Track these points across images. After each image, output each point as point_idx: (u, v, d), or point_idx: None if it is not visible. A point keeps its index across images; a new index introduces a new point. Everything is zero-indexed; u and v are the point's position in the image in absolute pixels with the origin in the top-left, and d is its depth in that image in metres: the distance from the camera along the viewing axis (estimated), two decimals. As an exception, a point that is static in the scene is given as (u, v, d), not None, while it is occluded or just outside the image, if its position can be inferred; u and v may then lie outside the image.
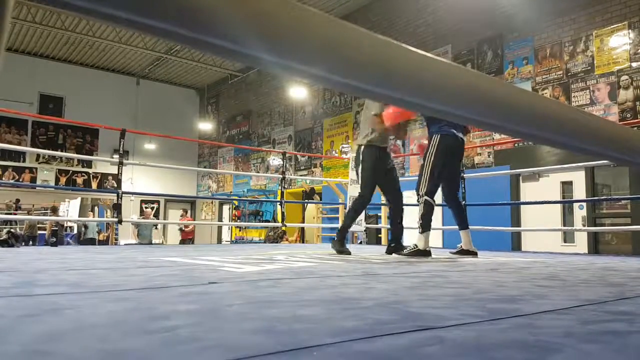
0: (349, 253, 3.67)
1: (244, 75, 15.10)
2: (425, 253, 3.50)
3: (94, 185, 15.14)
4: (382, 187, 4.05)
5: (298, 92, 12.07)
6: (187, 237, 12.73)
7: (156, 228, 11.51)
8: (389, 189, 3.97)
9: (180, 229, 12.86)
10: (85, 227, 12.16)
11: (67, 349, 0.73)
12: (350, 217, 3.91)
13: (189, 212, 13.98)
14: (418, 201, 3.64)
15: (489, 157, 8.26)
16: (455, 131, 3.63)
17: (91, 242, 11.73)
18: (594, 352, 0.76)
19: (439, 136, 3.60)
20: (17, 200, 12.90)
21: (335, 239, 3.85)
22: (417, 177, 3.72)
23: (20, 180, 13.90)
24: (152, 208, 16.24)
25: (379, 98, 0.59)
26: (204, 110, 17.13)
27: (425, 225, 3.56)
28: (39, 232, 11.39)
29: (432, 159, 3.60)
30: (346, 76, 0.52)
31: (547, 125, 0.73)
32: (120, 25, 0.41)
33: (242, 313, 1.08)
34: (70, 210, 13.39)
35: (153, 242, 10.47)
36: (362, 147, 3.84)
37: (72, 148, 14.93)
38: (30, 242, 10.49)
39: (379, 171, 3.81)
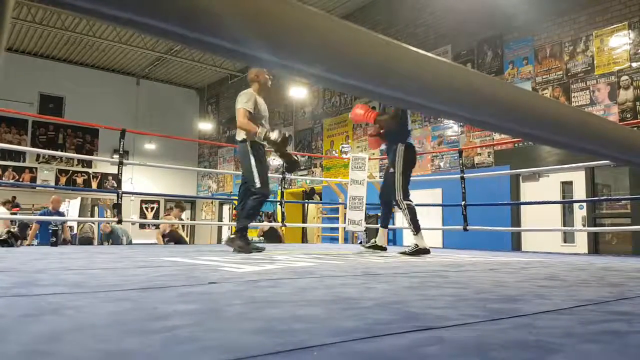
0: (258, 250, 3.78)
1: (244, 75, 15.09)
2: (426, 251, 3.81)
3: (94, 185, 15.13)
4: None
5: (298, 92, 12.06)
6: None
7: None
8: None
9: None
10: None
11: (67, 349, 0.73)
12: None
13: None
14: (400, 207, 3.94)
15: (489, 157, 8.26)
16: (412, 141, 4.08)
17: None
18: (594, 352, 0.76)
19: (404, 146, 3.93)
20: (14, 198, 12.59)
21: (236, 236, 3.78)
22: (390, 184, 3.97)
23: (20, 180, 13.89)
24: (152, 209, 16.20)
25: (379, 98, 0.59)
26: (204, 110, 17.12)
27: (417, 227, 3.88)
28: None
29: (400, 168, 3.91)
30: (346, 76, 0.52)
31: (547, 125, 0.73)
32: (120, 25, 0.41)
33: (242, 313, 1.08)
34: (70, 210, 13.38)
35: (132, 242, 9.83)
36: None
37: (72, 148, 14.92)
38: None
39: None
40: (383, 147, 4.34)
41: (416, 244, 3.80)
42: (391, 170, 3.94)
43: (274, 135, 3.78)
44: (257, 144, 3.90)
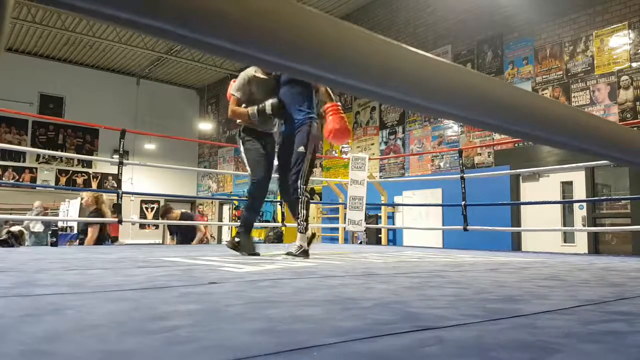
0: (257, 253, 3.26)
1: (244, 75, 15.09)
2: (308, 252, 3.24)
3: (94, 185, 15.13)
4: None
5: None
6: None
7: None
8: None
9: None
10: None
11: (67, 349, 0.73)
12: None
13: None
14: (298, 198, 3.22)
15: (489, 157, 8.26)
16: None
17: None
18: (594, 352, 0.76)
19: (315, 123, 3.28)
20: None
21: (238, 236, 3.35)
22: (299, 168, 3.23)
23: (20, 180, 13.89)
24: (152, 209, 16.18)
25: (379, 98, 0.59)
26: (204, 110, 17.13)
27: (307, 226, 3.26)
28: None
29: (309, 147, 3.22)
30: (346, 76, 0.52)
31: (547, 125, 0.73)
32: (120, 25, 0.41)
33: (242, 313, 1.08)
34: (70, 210, 13.38)
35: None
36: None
37: (72, 148, 14.93)
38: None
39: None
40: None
41: (301, 245, 3.21)
42: (301, 149, 3.21)
43: (268, 107, 3.26)
44: (249, 128, 3.43)
